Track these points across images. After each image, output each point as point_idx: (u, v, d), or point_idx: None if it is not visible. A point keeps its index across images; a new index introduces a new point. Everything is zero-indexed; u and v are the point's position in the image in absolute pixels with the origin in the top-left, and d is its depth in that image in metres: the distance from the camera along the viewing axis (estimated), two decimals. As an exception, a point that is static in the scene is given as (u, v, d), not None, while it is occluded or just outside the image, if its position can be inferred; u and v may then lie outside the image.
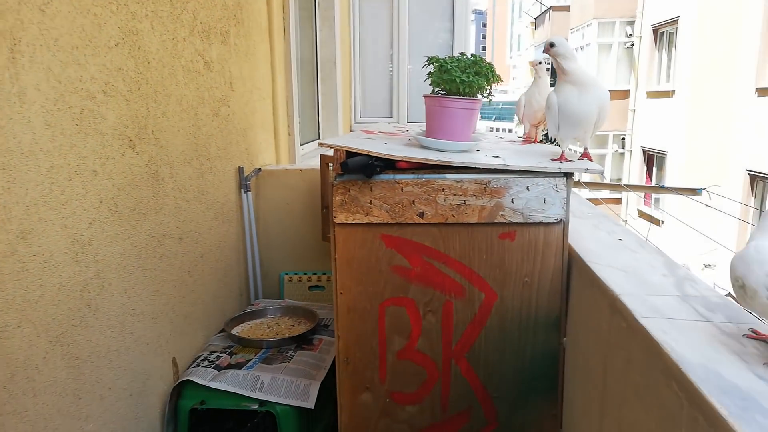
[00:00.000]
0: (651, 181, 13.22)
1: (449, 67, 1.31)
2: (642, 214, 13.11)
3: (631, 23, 13.39)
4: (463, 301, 1.34)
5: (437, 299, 1.34)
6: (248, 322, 2.35)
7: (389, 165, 1.32)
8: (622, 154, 14.03)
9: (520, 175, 1.27)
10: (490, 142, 1.68)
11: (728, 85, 10.03)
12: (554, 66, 1.34)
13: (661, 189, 4.39)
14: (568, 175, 1.27)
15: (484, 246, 1.31)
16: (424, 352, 1.37)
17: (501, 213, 1.28)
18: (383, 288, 1.35)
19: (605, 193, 14.78)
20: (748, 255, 0.80)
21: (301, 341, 2.13)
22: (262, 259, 2.88)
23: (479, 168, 1.28)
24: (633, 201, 13.51)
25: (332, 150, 1.41)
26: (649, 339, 0.82)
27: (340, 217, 1.31)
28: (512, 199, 1.27)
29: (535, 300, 1.33)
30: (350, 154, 1.32)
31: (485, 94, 1.44)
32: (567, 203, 1.27)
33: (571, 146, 1.41)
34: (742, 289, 0.81)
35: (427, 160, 1.28)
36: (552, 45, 1.32)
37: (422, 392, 1.38)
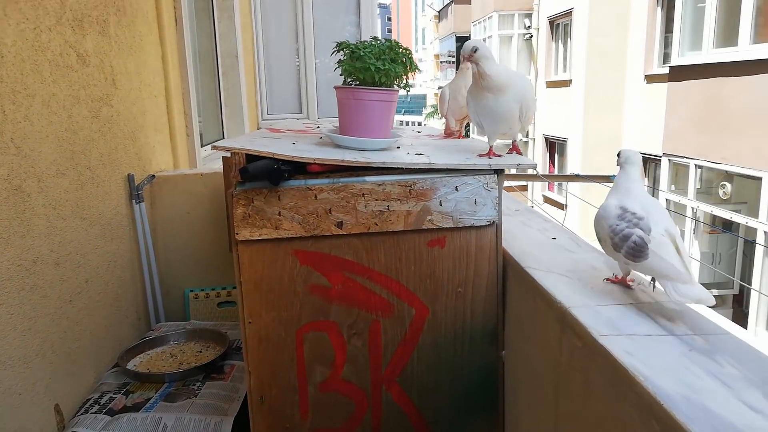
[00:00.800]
0: (554, 167, 13.81)
1: (362, 54, 1.15)
2: (547, 200, 13.68)
3: (529, 15, 13.87)
4: (391, 319, 1.19)
5: (363, 319, 1.18)
6: (147, 352, 2.07)
7: (299, 168, 1.14)
8: (527, 142, 14.54)
9: (448, 174, 1.13)
10: (409, 137, 1.54)
11: (620, 73, 10.61)
12: (474, 71, 1.20)
13: (577, 177, 4.48)
14: (499, 172, 1.14)
15: (412, 256, 1.16)
16: (351, 381, 1.20)
17: (429, 218, 1.13)
18: (300, 312, 1.17)
19: (512, 181, 15.28)
20: (598, 213, 0.99)
21: (210, 370, 1.90)
22: (163, 276, 2.59)
23: (402, 168, 1.13)
24: (538, 187, 14.06)
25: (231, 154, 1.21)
26: (614, 363, 0.70)
27: (244, 233, 1.11)
28: (440, 202, 1.13)
29: (469, 311, 1.20)
30: (252, 157, 1.12)
31: (402, 84, 1.28)
32: (499, 203, 1.15)
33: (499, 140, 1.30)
34: (599, 240, 1.00)
35: (343, 161, 1.11)
36: (475, 50, 1.18)
37: (351, 425, 1.22)
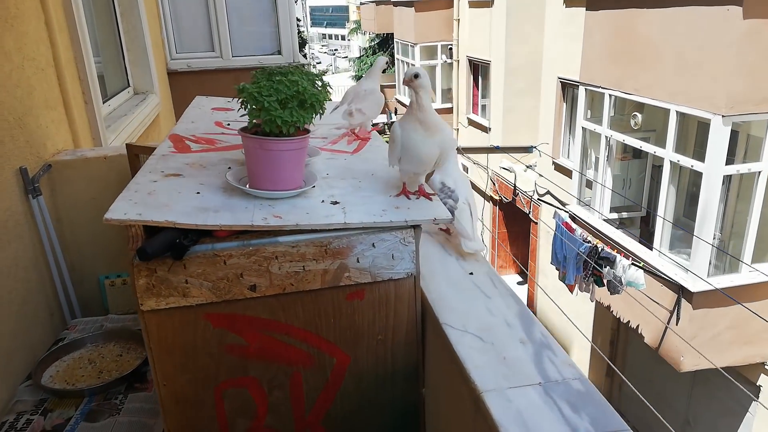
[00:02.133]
0: (477, 89, 13.84)
1: (267, 104, 1.05)
2: (471, 122, 13.84)
3: (450, -70, 13.33)
4: (312, 369, 1.18)
5: (283, 373, 1.17)
6: (64, 359, 1.99)
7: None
8: (451, 64, 14.42)
9: (365, 231, 1.09)
10: (323, 159, 1.46)
11: (541, -3, 10.54)
12: (412, 100, 1.16)
13: (497, 150, 4.50)
14: (416, 227, 1.12)
15: (331, 310, 1.14)
16: (275, 428, 1.21)
17: (346, 275, 1.11)
18: (217, 371, 1.14)
19: (438, 104, 15.27)
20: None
21: (133, 379, 1.85)
22: (75, 266, 2.45)
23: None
24: (462, 110, 14.15)
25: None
26: (522, 477, 0.74)
27: (149, 304, 1.05)
28: (357, 259, 1.10)
29: (390, 356, 1.21)
30: (151, 228, 1.04)
31: (315, 118, 1.21)
32: (417, 255, 1.13)
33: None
34: None
35: (252, 225, 1.05)
36: (416, 76, 1.17)
37: (277, 468, 1.24)
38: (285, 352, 1.15)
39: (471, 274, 1.28)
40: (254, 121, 1.12)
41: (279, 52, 5.63)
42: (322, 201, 1.17)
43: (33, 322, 2.09)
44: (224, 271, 1.06)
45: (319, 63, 40.70)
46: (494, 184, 12.93)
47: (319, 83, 1.24)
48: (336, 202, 1.17)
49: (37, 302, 2.14)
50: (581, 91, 8.81)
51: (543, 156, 10.71)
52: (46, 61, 2.47)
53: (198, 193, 1.16)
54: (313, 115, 1.15)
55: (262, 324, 1.12)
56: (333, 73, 37.47)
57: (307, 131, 1.15)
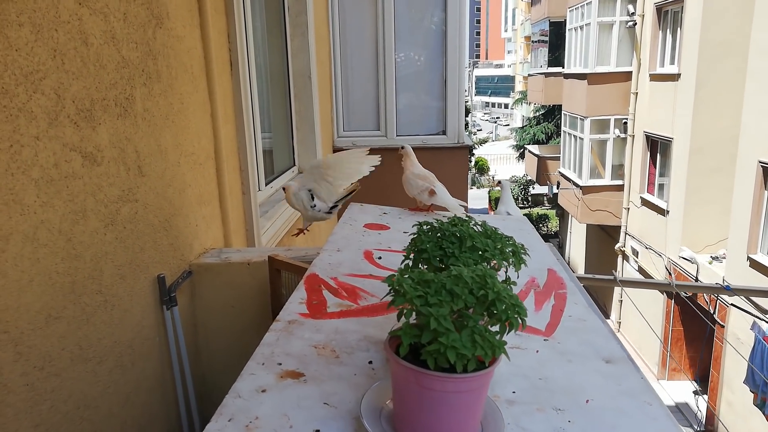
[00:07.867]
0: (655, 168, 12.57)
1: (433, 323, 0.62)
2: (645, 202, 12.51)
3: (633, 1, 12.55)
4: None
5: None
6: None
7: None
8: (624, 139, 13.34)
9: None
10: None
11: (738, 68, 9.27)
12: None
13: (727, 290, 3.56)
14: None
15: None
16: None
17: None
18: None
19: (607, 180, 14.08)
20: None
21: None
22: (206, 379, 2.22)
23: None
24: (636, 187, 12.88)
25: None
26: None
27: None
28: None
29: None
30: None
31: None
32: None
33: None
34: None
35: None
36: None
37: None
38: None
39: None
40: (410, 341, 0.68)
41: (444, 132, 5.38)
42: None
43: (149, 453, 1.84)
44: None
45: (480, 130, 41.05)
46: (671, 274, 11.41)
47: (510, 251, 0.79)
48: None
49: (159, 427, 1.90)
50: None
51: (734, 246, 9.17)
52: (206, 154, 2.34)
53: (318, 432, 0.75)
54: (512, 327, 0.69)
55: None
56: (493, 141, 37.52)
57: (494, 359, 0.69)
